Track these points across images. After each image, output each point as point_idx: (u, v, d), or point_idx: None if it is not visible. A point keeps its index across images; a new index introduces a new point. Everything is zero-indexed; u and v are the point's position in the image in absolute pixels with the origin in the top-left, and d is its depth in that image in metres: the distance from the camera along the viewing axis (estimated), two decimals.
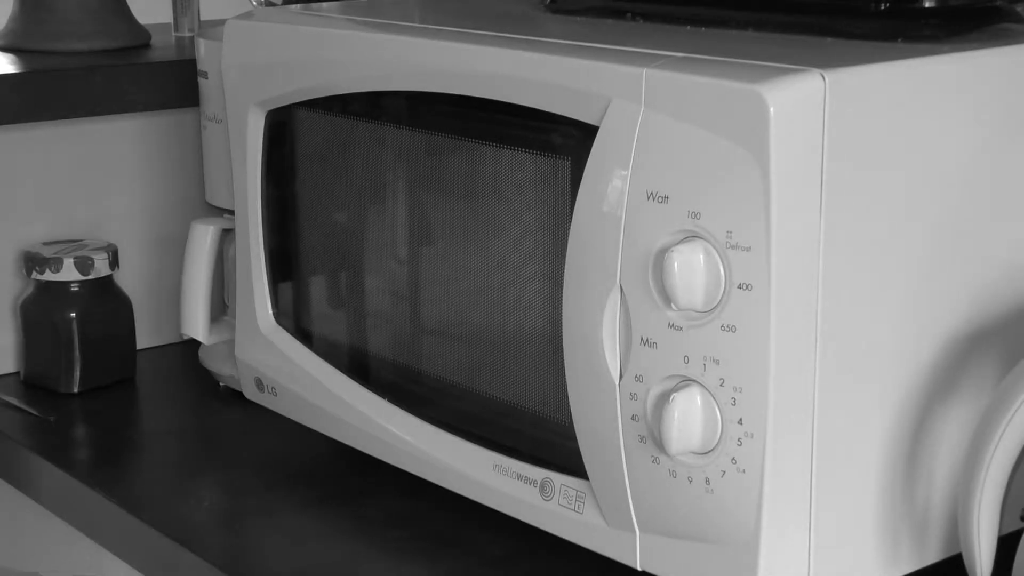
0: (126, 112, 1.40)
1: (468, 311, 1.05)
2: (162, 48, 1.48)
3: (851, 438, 0.87)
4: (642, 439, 0.88)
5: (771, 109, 0.79)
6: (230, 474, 1.18)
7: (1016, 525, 0.91)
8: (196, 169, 1.42)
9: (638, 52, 0.88)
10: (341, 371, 1.11)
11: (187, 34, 1.54)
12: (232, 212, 1.23)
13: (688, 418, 0.84)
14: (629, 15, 1.04)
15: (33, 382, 1.35)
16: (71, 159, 1.40)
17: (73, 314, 1.32)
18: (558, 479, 0.95)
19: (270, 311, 1.16)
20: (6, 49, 1.44)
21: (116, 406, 1.32)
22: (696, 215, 0.83)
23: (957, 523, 0.86)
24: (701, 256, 0.83)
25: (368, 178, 1.10)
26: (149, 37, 1.50)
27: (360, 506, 1.10)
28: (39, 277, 1.32)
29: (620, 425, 0.89)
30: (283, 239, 1.16)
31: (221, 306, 1.35)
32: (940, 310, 0.90)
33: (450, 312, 1.06)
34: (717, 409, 0.84)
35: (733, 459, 0.84)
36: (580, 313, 0.89)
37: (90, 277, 1.32)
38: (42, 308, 1.33)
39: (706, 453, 0.85)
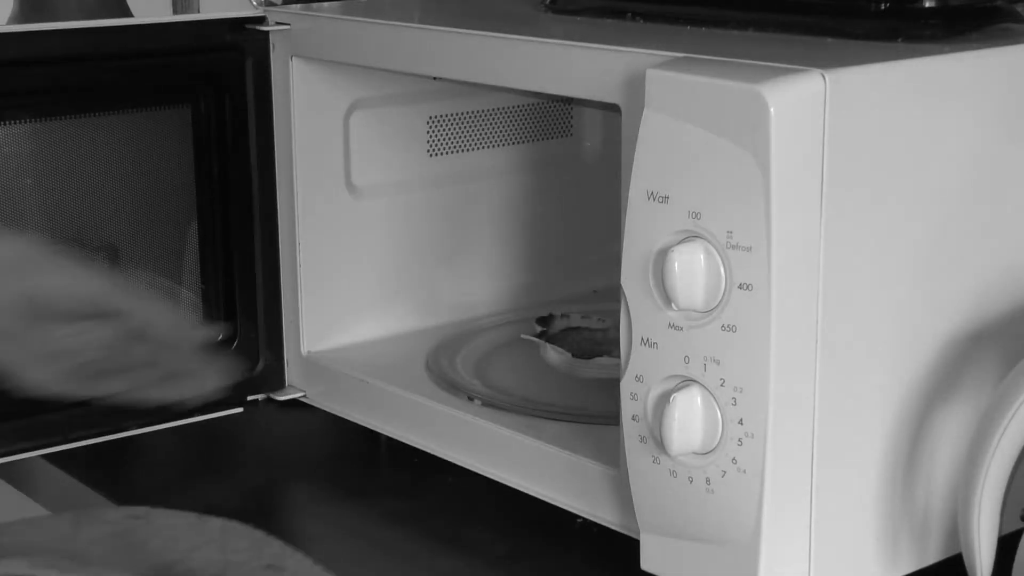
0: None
1: None
2: None
3: (851, 438, 0.87)
4: (642, 439, 0.87)
5: (771, 109, 0.79)
6: (231, 474, 1.18)
7: (1016, 525, 0.91)
8: None
9: (638, 52, 0.88)
10: None
11: None
12: None
13: (688, 418, 0.84)
14: (629, 15, 1.04)
15: None
16: None
17: None
18: None
19: None
20: None
21: None
22: (696, 215, 0.83)
23: (957, 523, 0.86)
24: (701, 256, 0.83)
25: None
26: None
27: (360, 506, 1.09)
28: None
29: (621, 425, 0.88)
30: None
31: None
32: (940, 310, 0.90)
33: None
34: (718, 409, 0.84)
35: (734, 459, 0.84)
36: None
37: None
38: None
39: (707, 453, 0.85)
